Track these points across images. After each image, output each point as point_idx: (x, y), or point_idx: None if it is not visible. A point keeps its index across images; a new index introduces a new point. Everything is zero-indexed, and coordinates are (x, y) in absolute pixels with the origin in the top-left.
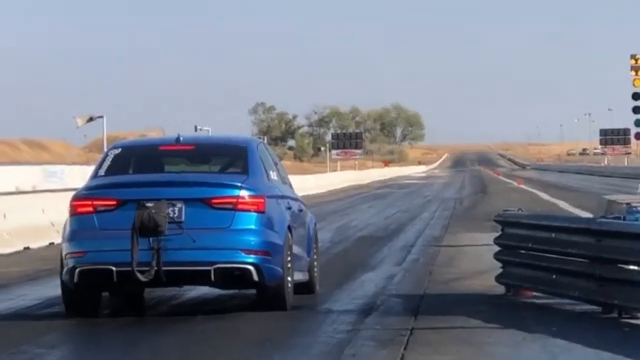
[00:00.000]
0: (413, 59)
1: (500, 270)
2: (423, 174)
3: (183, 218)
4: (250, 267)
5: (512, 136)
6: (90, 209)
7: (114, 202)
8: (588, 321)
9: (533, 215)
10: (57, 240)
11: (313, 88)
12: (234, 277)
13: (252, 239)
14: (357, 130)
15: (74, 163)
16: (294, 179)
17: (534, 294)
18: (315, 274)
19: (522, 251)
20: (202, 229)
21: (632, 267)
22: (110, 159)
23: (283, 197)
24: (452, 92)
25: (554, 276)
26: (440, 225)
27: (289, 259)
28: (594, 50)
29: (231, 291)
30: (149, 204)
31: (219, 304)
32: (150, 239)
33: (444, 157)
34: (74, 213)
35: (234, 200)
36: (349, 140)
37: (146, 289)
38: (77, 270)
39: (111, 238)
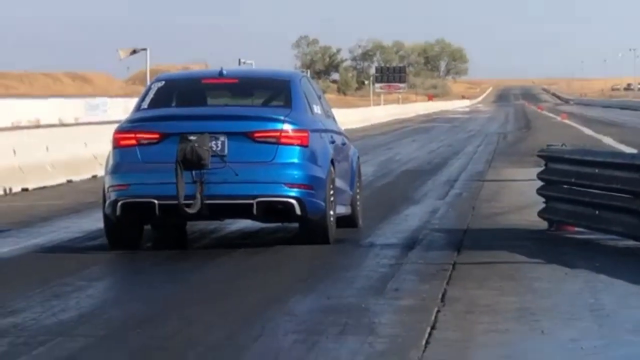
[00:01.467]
0: None
1: (543, 205)
2: (466, 109)
3: (226, 151)
4: (293, 201)
5: (555, 71)
6: (134, 141)
7: (157, 135)
8: (631, 257)
9: (577, 150)
10: (100, 173)
11: (357, 22)
12: (277, 211)
13: (295, 173)
14: (401, 64)
15: (116, 96)
16: (337, 113)
17: (577, 229)
18: (358, 208)
19: (565, 186)
20: (244, 163)
21: None
22: (154, 92)
23: (326, 130)
24: (497, 27)
25: (596, 212)
26: (484, 160)
27: (331, 192)
28: None
29: (273, 225)
30: (192, 137)
31: (260, 237)
32: (193, 172)
33: (487, 92)
34: (116, 146)
35: (277, 133)
36: (392, 74)
37: (188, 223)
38: (120, 203)
39: (154, 171)
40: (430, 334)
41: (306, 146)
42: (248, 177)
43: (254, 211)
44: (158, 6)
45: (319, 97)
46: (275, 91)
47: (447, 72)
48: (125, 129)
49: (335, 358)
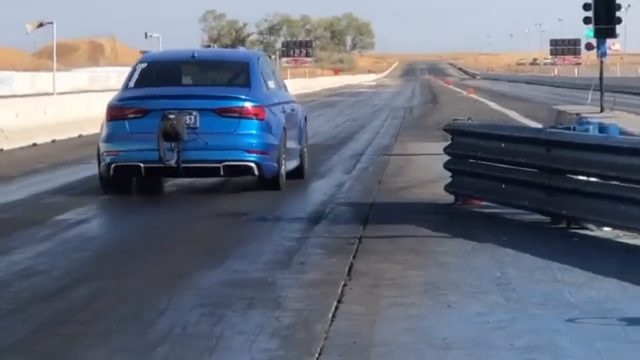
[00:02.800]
0: None
1: (450, 179)
2: (373, 83)
3: (198, 125)
4: (252, 164)
5: (462, 46)
6: (123, 116)
7: (142, 111)
8: (537, 231)
9: (483, 124)
10: (7, 146)
11: None
12: (239, 172)
13: (254, 142)
14: (307, 39)
15: (24, 70)
16: None
17: (483, 203)
18: (305, 160)
19: (472, 160)
20: (213, 134)
21: (580, 177)
22: (138, 73)
23: (279, 103)
24: (403, 1)
25: (503, 186)
26: (390, 134)
27: (283, 155)
28: None
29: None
30: (171, 115)
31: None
32: (172, 143)
33: (393, 66)
34: (109, 119)
35: (239, 109)
36: (299, 49)
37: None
38: (113, 165)
39: (140, 140)
40: (336, 308)
41: (262, 119)
42: (216, 145)
43: (221, 172)
44: None
45: (273, 72)
46: (237, 72)
47: (354, 46)
48: (116, 105)
49: (242, 332)
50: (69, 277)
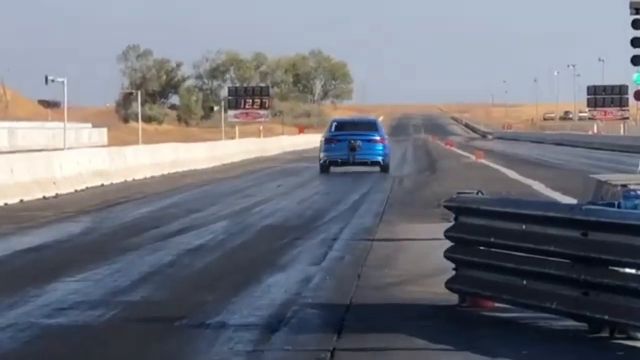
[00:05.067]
0: None
1: (453, 273)
2: None
3: (361, 145)
4: (380, 159)
5: (470, 95)
6: (330, 141)
7: (338, 140)
8: (570, 342)
9: (497, 199)
10: None
11: (204, 28)
12: (375, 163)
13: (380, 151)
14: (263, 84)
15: None
16: (177, 148)
17: (497, 305)
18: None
19: (482, 248)
20: (366, 148)
21: (628, 270)
22: (334, 125)
23: (386, 138)
24: (390, 37)
25: (524, 282)
26: (373, 212)
27: (389, 157)
28: None
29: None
30: (352, 141)
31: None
32: (352, 152)
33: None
34: (325, 143)
35: (375, 139)
36: (251, 98)
37: None
38: (325, 160)
39: (336, 150)
40: None
41: (384, 143)
42: (367, 152)
43: (369, 163)
44: None
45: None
46: (371, 125)
47: (325, 95)
48: (328, 137)
49: None
50: None
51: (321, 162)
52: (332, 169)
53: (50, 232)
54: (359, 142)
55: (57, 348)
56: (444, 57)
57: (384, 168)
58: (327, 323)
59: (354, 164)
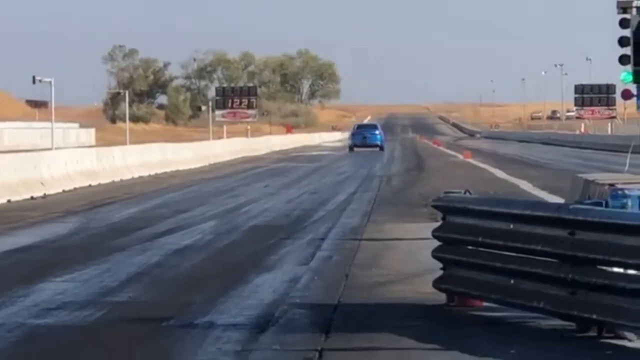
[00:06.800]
0: None
1: (441, 272)
2: (338, 143)
3: (369, 136)
4: (379, 143)
5: (457, 94)
6: (355, 134)
7: (357, 134)
8: (557, 342)
9: (485, 199)
10: None
11: (191, 27)
12: (376, 146)
13: (379, 138)
14: (250, 84)
15: None
16: (164, 148)
17: (485, 304)
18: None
19: (470, 247)
20: (370, 136)
21: (615, 269)
22: (355, 128)
23: (382, 131)
24: (377, 36)
25: (512, 281)
26: (361, 211)
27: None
28: None
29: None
30: (364, 134)
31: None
32: (364, 139)
33: (366, 121)
34: (352, 134)
35: (376, 133)
36: (238, 98)
37: None
38: (352, 144)
39: (357, 139)
40: None
41: (381, 135)
42: (372, 140)
43: (373, 145)
44: None
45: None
46: (374, 126)
47: (313, 94)
48: (354, 130)
49: None
50: None
51: (349, 144)
52: (355, 149)
53: (38, 232)
54: (367, 135)
55: (46, 348)
56: (431, 57)
57: (381, 148)
58: (315, 323)
59: (365, 146)
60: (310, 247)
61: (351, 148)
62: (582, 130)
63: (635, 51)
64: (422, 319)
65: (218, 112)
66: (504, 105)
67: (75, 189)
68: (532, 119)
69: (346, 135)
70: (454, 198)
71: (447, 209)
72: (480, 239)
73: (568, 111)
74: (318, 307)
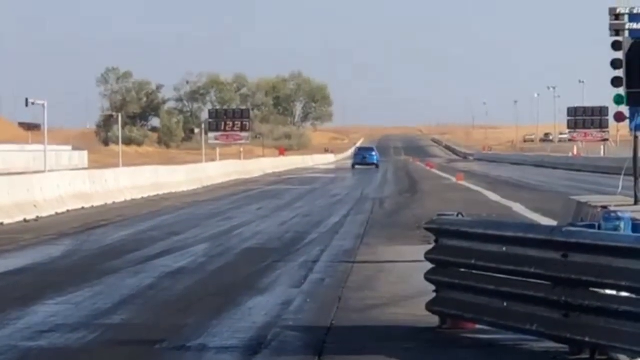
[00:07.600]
0: (313, 11)
1: (433, 295)
2: (331, 166)
3: (367, 156)
4: (376, 162)
5: (450, 117)
6: (356, 155)
7: (358, 154)
8: None
9: (477, 221)
10: None
11: (184, 49)
12: (373, 165)
13: (375, 158)
14: (243, 107)
15: None
16: (157, 170)
17: (478, 327)
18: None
19: (463, 270)
20: (371, 156)
21: (608, 291)
22: (357, 148)
23: (377, 152)
24: (370, 57)
25: (504, 303)
26: (354, 234)
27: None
28: (558, 5)
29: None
30: (363, 155)
31: None
32: (363, 159)
33: (359, 144)
34: (355, 154)
35: (373, 154)
36: (231, 120)
37: None
38: (354, 163)
39: (357, 159)
40: None
41: (377, 155)
42: (370, 159)
43: (370, 164)
44: None
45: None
46: (371, 149)
47: (305, 117)
48: (355, 151)
49: None
50: None
51: (352, 163)
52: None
53: (31, 254)
54: (366, 155)
55: None
56: (424, 79)
57: (377, 166)
58: (308, 345)
59: (365, 164)
60: (303, 270)
61: (353, 166)
62: (575, 152)
63: (627, 74)
64: (415, 341)
65: (211, 135)
66: (496, 128)
67: (68, 211)
68: (525, 141)
69: (339, 157)
70: (446, 221)
71: (440, 231)
72: (473, 262)
73: (561, 133)
74: (311, 330)
